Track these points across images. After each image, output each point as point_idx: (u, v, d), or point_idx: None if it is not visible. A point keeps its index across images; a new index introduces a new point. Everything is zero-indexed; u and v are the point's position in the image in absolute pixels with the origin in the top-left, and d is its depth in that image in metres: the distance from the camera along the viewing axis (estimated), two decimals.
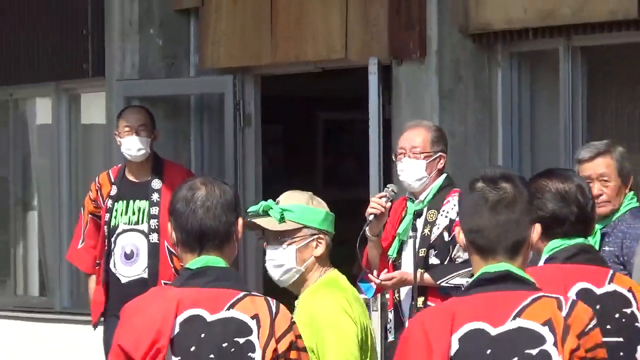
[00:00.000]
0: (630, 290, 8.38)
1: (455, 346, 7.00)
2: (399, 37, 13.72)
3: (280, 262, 9.04)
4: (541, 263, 8.27)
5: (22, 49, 17.39)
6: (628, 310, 8.45)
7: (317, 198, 9.71)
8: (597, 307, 8.09)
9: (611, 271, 8.34)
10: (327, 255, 9.13)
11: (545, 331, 7.11)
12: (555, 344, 7.13)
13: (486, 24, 13.46)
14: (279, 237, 9.03)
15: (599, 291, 8.21)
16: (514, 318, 7.07)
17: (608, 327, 8.24)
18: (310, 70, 14.98)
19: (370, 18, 14.00)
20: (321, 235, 9.31)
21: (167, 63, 15.85)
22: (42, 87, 17.46)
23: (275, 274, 9.05)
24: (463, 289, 7.44)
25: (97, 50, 16.25)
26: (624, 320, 8.38)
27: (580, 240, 8.13)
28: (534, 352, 7.09)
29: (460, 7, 13.50)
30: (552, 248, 8.15)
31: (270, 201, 9.14)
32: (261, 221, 9.05)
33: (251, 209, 9.51)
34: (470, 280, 7.44)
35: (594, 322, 7.22)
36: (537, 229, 7.16)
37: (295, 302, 8.95)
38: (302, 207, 9.38)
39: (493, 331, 7.10)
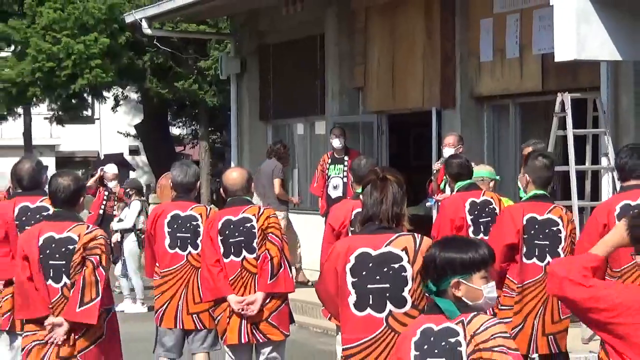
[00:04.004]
0: (492, 198, 8.24)
1: (524, 223, 7.18)
2: (444, 98, 13.60)
3: None
4: (454, 192, 8.44)
5: (291, 101, 17.16)
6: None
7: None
8: (478, 207, 8.14)
9: (483, 190, 8.40)
10: None
11: (560, 222, 7.20)
12: (564, 227, 7.21)
13: (480, 93, 13.25)
14: None
15: (478, 200, 8.12)
16: (548, 212, 7.23)
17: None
18: (408, 111, 14.79)
19: (432, 89, 13.84)
20: None
21: (350, 108, 15.66)
22: (299, 119, 17.27)
23: None
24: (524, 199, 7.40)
25: (321, 101, 16.11)
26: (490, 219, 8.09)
27: (469, 181, 8.30)
28: (554, 229, 7.18)
29: (469, 85, 13.29)
30: (458, 186, 8.34)
31: None
32: None
33: None
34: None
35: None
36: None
37: None
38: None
39: (539, 217, 7.19)
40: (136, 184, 15.26)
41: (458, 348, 3.93)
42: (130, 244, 14.68)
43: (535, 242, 7.15)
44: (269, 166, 14.37)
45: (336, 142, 14.16)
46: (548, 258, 7.14)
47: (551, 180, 7.41)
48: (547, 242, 7.17)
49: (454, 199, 8.36)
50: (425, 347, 3.98)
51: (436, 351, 3.95)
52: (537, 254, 7.16)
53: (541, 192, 7.26)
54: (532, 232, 7.16)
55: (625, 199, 6.83)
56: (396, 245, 5.19)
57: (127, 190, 14.80)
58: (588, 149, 10.64)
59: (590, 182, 10.64)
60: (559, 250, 7.19)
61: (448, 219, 8.11)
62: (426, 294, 5.15)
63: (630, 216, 4.27)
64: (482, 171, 9.07)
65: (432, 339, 3.98)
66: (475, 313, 3.99)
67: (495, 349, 3.91)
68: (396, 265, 5.17)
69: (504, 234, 7.21)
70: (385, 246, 5.19)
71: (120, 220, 14.78)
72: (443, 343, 3.95)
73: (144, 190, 16.94)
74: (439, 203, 11.93)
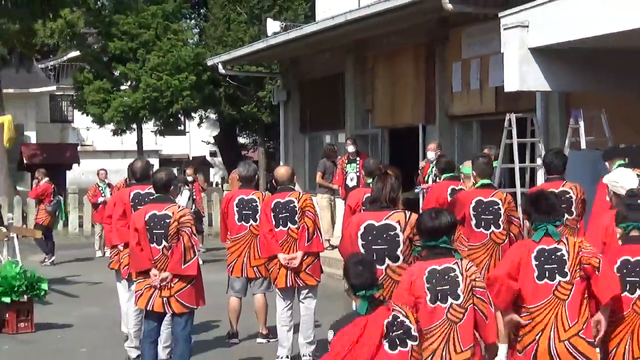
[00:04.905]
0: (465, 187, 7.60)
1: (474, 203, 6.78)
2: (428, 117, 13.40)
3: None
4: (441, 180, 8.11)
5: (322, 119, 16.90)
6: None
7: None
8: (456, 192, 7.51)
9: (463, 181, 7.83)
10: None
11: (500, 202, 6.73)
12: (503, 205, 6.75)
13: (452, 113, 12.95)
14: None
15: (457, 188, 7.71)
16: (492, 196, 6.81)
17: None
18: (402, 126, 14.35)
19: (419, 111, 13.59)
20: None
21: (362, 124, 15.43)
22: (327, 132, 16.89)
23: None
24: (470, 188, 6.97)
25: (342, 119, 15.85)
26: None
27: (452, 174, 8.04)
28: (495, 207, 6.81)
29: (445, 108, 13.03)
30: (444, 177, 8.07)
31: None
32: None
33: None
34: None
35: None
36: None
37: None
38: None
39: (485, 199, 6.78)
40: (183, 179, 15.14)
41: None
42: None
43: (482, 216, 6.94)
44: (319, 163, 14.48)
45: (350, 148, 13.79)
46: (492, 227, 6.94)
47: (492, 172, 7.29)
48: (491, 217, 6.97)
49: (439, 185, 8.16)
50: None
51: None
52: (483, 225, 6.96)
53: (487, 181, 7.06)
54: (479, 209, 6.95)
55: (550, 187, 6.72)
56: (392, 218, 5.21)
57: (177, 183, 14.67)
58: (527, 153, 10.64)
59: (529, 175, 10.58)
60: (500, 222, 6.94)
61: (434, 197, 7.93)
62: (413, 253, 5.23)
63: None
64: (468, 169, 9.03)
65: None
66: None
67: None
68: (392, 233, 5.20)
69: (456, 212, 6.95)
70: (385, 219, 5.21)
71: None
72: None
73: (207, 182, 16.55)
74: (424, 190, 11.87)
